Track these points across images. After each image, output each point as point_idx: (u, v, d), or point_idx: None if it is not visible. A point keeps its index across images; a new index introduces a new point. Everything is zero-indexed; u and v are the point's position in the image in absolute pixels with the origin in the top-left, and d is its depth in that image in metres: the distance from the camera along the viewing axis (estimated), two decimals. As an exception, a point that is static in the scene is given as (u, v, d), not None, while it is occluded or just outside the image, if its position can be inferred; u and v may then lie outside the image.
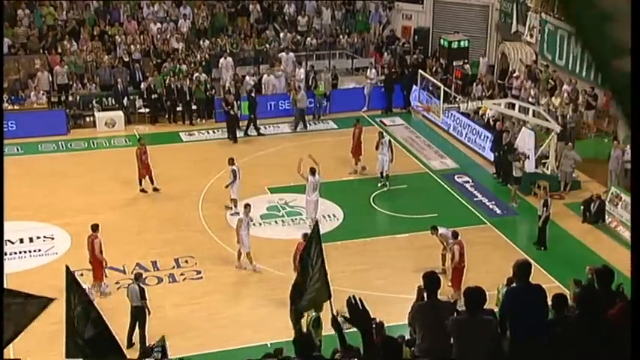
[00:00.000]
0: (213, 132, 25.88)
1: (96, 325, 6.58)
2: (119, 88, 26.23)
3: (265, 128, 26.16)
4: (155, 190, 21.34)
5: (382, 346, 6.42)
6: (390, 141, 21.94)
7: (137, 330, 14.73)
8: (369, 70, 28.39)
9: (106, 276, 16.78)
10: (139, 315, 14.70)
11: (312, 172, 19.20)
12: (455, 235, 16.74)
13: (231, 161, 20.07)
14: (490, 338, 6.76)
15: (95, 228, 16.69)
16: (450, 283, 16.29)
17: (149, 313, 14.87)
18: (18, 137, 24.71)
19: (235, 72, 27.50)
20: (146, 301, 14.80)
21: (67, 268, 6.98)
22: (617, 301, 7.08)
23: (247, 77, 27.48)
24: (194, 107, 26.49)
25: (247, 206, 17.78)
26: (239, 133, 25.28)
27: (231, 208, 20.01)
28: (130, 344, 14.67)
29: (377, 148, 21.58)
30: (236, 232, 17.40)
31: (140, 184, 21.26)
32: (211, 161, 23.25)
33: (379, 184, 21.69)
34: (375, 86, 28.03)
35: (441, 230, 17.28)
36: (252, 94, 25.92)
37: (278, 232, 19.26)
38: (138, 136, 22.99)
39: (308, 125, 26.31)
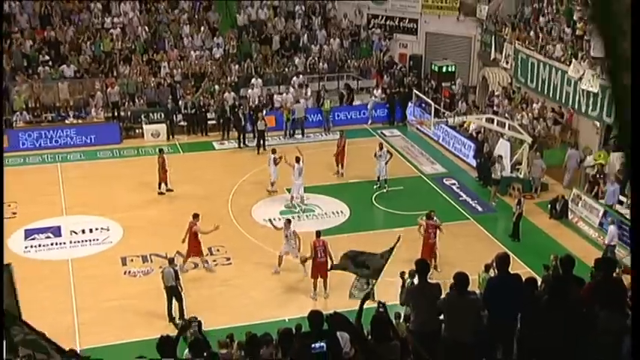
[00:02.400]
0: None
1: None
2: (169, 107, 26.13)
3: (284, 138, 26.23)
4: (160, 194, 21.08)
5: (372, 323, 6.43)
6: (387, 151, 21.83)
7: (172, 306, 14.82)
8: (374, 89, 28.43)
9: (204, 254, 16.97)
10: (174, 293, 14.80)
11: (297, 160, 19.98)
12: (428, 216, 16.88)
13: (273, 151, 21.04)
14: (475, 313, 6.77)
15: (195, 216, 16.83)
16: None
17: (182, 290, 14.93)
18: (81, 146, 24.98)
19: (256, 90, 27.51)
20: (179, 281, 14.88)
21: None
22: (582, 283, 7.07)
23: (275, 95, 27.57)
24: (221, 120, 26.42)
25: (288, 221, 17.23)
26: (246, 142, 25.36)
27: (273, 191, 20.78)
28: (171, 319, 14.75)
29: (375, 156, 21.51)
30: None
31: (159, 187, 21.13)
32: (239, 166, 23.33)
33: (375, 187, 21.62)
34: (378, 103, 28.07)
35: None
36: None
37: (294, 226, 19.25)
38: (159, 148, 22.68)
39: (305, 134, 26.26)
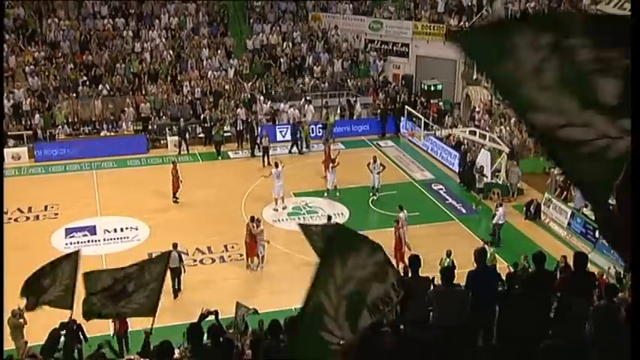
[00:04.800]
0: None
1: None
2: (181, 125, 25.74)
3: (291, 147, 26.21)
4: (175, 201, 20.59)
5: None
6: (380, 164, 21.43)
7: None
8: (355, 104, 28.44)
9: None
10: (178, 273, 15.28)
11: (276, 165, 20.20)
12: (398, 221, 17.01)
13: (275, 165, 20.51)
14: (461, 304, 6.75)
15: (253, 219, 16.83)
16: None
17: (184, 272, 15.44)
18: (113, 155, 25.02)
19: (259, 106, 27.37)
20: (183, 262, 15.41)
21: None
22: (553, 276, 7.11)
23: (286, 111, 27.54)
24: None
25: (254, 219, 17.16)
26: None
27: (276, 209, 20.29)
28: (176, 295, 15.22)
29: (369, 167, 21.20)
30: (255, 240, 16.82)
31: (174, 195, 20.72)
32: (251, 173, 23.35)
33: (370, 195, 21.37)
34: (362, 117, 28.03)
35: (402, 215, 17.44)
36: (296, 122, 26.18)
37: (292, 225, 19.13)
38: (173, 159, 22.35)
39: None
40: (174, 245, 15.35)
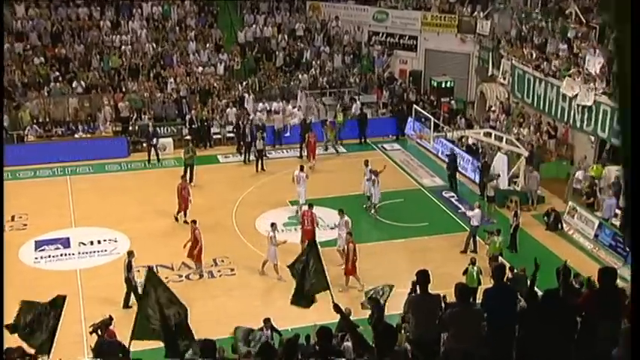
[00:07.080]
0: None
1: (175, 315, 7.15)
2: (150, 130, 25.25)
3: (286, 152, 26.28)
4: (185, 222, 19.28)
5: (381, 333, 6.43)
6: (371, 169, 20.96)
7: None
8: (353, 105, 28.32)
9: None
10: (126, 283, 15.61)
11: (301, 168, 20.71)
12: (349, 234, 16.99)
13: (301, 168, 20.95)
14: (479, 323, 6.74)
15: (195, 222, 17.12)
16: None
17: (133, 283, 15.58)
18: (89, 159, 24.99)
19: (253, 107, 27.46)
20: (131, 273, 15.59)
21: (150, 268, 7.84)
22: (579, 291, 7.10)
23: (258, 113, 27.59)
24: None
25: (273, 225, 17.47)
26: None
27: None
28: (127, 306, 15.52)
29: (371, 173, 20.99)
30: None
31: (180, 214, 19.93)
32: (243, 179, 23.38)
33: (365, 206, 20.98)
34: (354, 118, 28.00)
35: (346, 218, 17.69)
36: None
37: (296, 237, 19.13)
38: (182, 174, 21.36)
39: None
40: (130, 253, 15.79)
